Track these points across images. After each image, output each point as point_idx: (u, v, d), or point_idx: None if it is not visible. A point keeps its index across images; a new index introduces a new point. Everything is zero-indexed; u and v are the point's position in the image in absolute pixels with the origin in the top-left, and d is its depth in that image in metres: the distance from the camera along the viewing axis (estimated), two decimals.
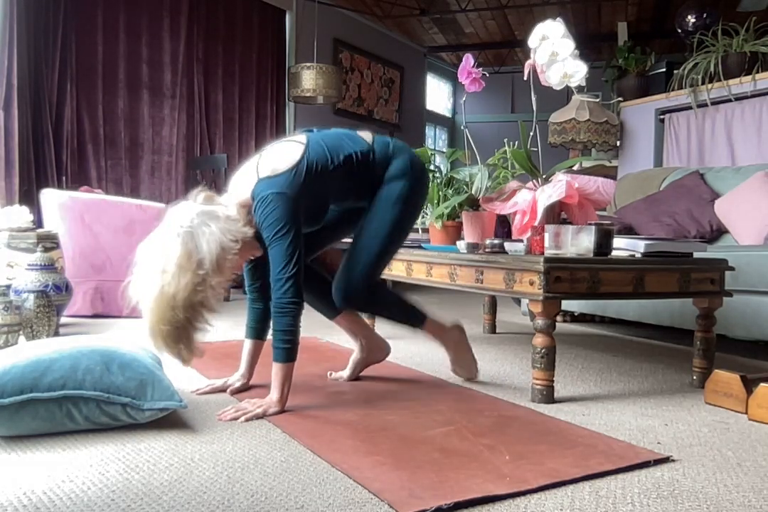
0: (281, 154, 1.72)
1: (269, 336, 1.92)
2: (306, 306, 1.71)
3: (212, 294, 1.55)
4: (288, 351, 1.63)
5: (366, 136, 1.84)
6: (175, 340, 1.52)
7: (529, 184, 2.11)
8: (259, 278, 1.88)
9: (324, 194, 1.77)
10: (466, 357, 2.09)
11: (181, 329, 1.51)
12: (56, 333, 2.57)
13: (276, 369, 1.64)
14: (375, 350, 2.07)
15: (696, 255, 2.09)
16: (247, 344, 1.90)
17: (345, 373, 2.05)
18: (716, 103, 4.33)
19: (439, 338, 2.04)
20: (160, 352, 1.57)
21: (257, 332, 1.90)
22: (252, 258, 1.75)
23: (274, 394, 1.64)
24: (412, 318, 1.99)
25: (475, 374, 2.10)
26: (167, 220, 1.59)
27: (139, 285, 1.52)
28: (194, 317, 1.53)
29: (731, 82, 4.19)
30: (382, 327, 2.19)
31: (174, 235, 1.53)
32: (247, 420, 1.57)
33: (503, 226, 2.33)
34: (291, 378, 1.65)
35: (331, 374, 2.06)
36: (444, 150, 8.12)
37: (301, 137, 1.77)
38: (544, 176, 2.11)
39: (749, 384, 1.75)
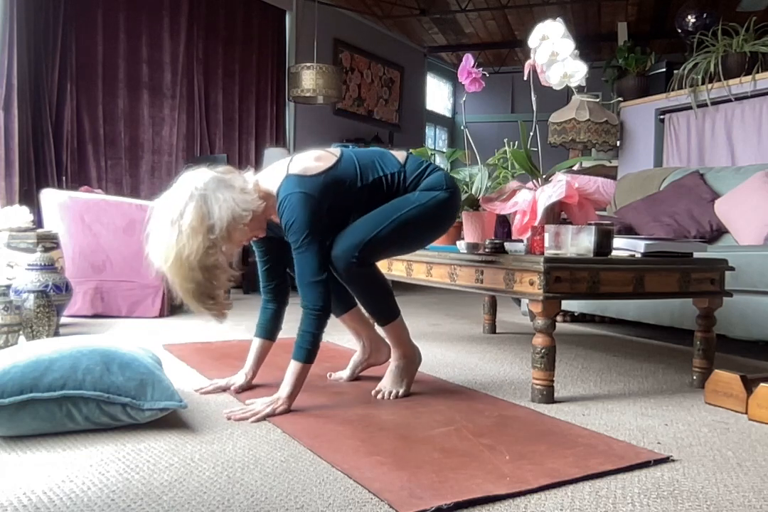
0: (315, 157, 1.73)
1: (276, 337, 1.93)
2: None
3: (223, 258, 1.60)
4: (310, 352, 1.64)
5: (400, 155, 1.84)
6: (204, 297, 1.59)
7: (529, 184, 2.11)
8: (274, 279, 1.89)
9: (347, 209, 1.76)
10: (404, 379, 1.89)
11: (204, 287, 1.58)
12: (56, 333, 2.57)
13: (294, 368, 1.64)
14: (377, 352, 2.06)
15: (696, 255, 2.09)
16: (256, 342, 1.90)
17: (345, 373, 2.05)
18: (716, 103, 4.33)
19: (398, 346, 1.90)
20: (196, 310, 1.63)
21: (268, 332, 1.90)
22: (255, 238, 1.76)
23: (285, 390, 1.64)
24: (387, 310, 1.86)
25: (392, 396, 1.84)
26: (182, 182, 1.61)
27: (158, 248, 1.57)
28: (212, 277, 1.59)
29: (731, 82, 4.19)
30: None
31: (188, 197, 1.55)
32: (257, 420, 1.57)
33: (503, 226, 2.33)
34: (304, 379, 1.66)
35: (330, 375, 2.06)
36: (444, 150, 8.12)
37: (335, 150, 1.79)
38: (544, 176, 2.11)
39: (749, 384, 1.75)
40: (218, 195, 1.57)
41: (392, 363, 1.92)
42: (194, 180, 1.60)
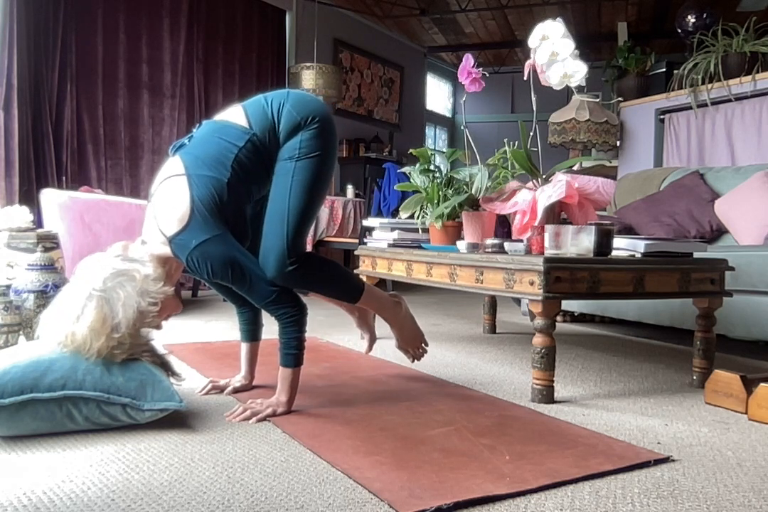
0: (171, 202, 1.55)
1: (262, 335, 1.93)
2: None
3: (132, 353, 1.54)
4: (296, 356, 1.63)
5: (238, 117, 1.66)
6: None
7: (529, 184, 2.11)
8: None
9: (236, 207, 1.62)
10: (413, 330, 1.97)
11: None
12: None
13: (285, 374, 1.63)
14: (360, 315, 2.08)
15: (696, 255, 2.09)
16: (244, 347, 1.89)
17: (365, 338, 2.11)
18: (716, 103, 4.33)
19: (381, 312, 1.90)
20: None
21: (251, 334, 1.89)
22: (168, 317, 1.64)
23: (282, 396, 1.64)
24: (352, 287, 1.79)
25: (423, 349, 2.00)
26: (80, 276, 1.51)
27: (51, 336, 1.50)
28: None
29: (731, 82, 4.19)
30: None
31: (86, 298, 1.45)
32: (258, 420, 1.57)
33: (503, 226, 2.33)
34: (298, 381, 1.66)
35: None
36: (444, 150, 8.12)
37: (177, 165, 1.59)
38: (544, 176, 2.11)
39: (749, 384, 1.75)
40: (120, 292, 1.46)
41: (394, 333, 1.96)
42: (92, 278, 1.48)
